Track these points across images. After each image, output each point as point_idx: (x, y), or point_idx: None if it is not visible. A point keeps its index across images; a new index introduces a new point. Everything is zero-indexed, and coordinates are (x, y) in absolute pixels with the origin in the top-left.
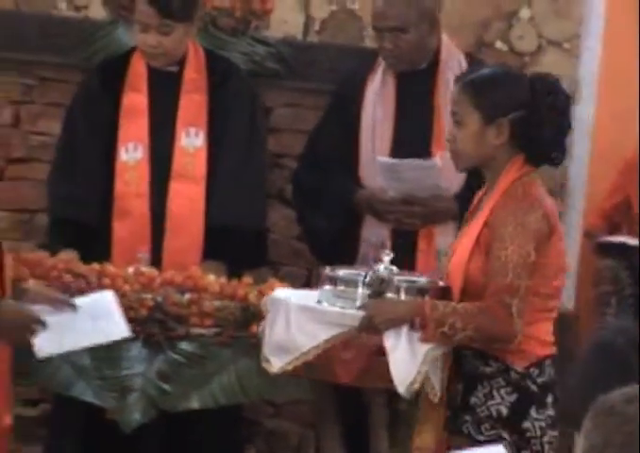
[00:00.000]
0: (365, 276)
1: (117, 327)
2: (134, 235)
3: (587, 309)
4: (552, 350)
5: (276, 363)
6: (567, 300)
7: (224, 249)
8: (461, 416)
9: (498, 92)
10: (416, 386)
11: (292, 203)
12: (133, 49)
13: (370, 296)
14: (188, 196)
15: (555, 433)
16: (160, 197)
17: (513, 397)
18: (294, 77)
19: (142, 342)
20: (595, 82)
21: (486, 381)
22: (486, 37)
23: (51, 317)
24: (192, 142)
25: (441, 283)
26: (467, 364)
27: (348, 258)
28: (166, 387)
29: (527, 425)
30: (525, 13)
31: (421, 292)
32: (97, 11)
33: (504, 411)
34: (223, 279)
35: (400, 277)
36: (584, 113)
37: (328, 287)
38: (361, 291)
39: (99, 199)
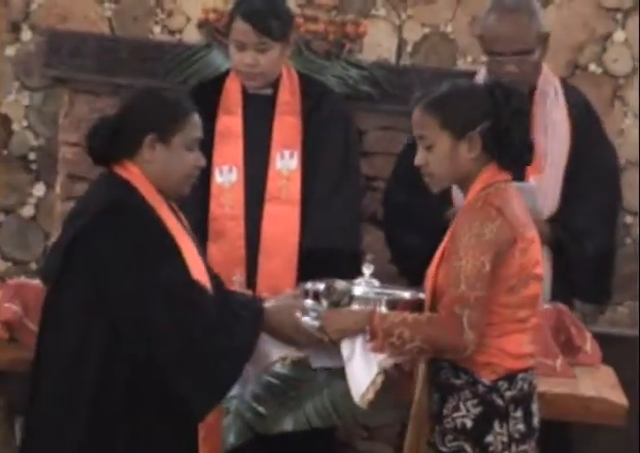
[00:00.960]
0: (327, 289)
1: None
2: (229, 257)
3: None
4: (527, 363)
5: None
6: (633, 324)
7: (319, 272)
8: (433, 427)
9: (462, 107)
10: (370, 396)
11: (382, 223)
12: (226, 73)
13: (328, 308)
14: (282, 219)
15: (524, 448)
16: (255, 220)
17: (478, 410)
18: (388, 100)
19: None
20: None
21: (455, 393)
22: (580, 59)
23: None
24: (286, 164)
25: (419, 296)
26: (442, 375)
27: None
28: (261, 409)
29: (489, 439)
30: (619, 36)
31: (391, 304)
32: (192, 35)
33: (468, 423)
34: None
35: (383, 290)
36: None
37: (307, 301)
38: (325, 304)
39: (197, 222)
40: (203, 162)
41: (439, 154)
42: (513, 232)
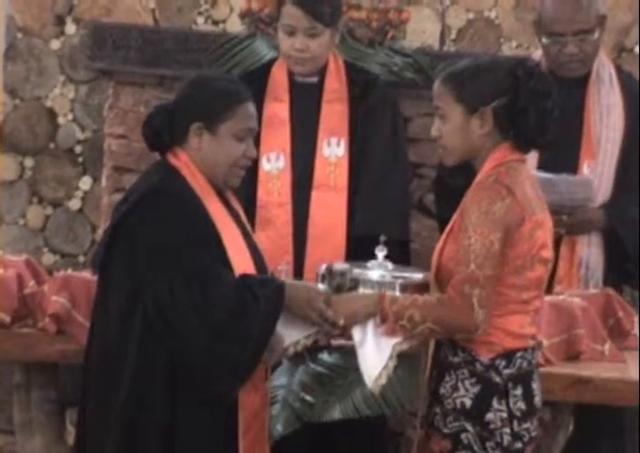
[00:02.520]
0: (327, 272)
1: None
2: (277, 245)
3: None
4: (527, 343)
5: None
6: None
7: (368, 259)
8: (433, 408)
9: (478, 82)
10: (383, 381)
11: (433, 211)
12: (271, 62)
13: (332, 291)
14: (330, 206)
15: (526, 426)
16: (303, 207)
17: (477, 389)
18: (432, 87)
19: None
20: None
21: (453, 371)
22: (627, 42)
23: None
24: (334, 151)
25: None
26: (442, 353)
27: None
28: (309, 398)
29: (490, 416)
30: None
31: (402, 287)
32: (235, 25)
33: (468, 402)
34: None
35: (396, 274)
36: None
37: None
38: (326, 286)
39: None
40: (253, 153)
41: (451, 126)
42: (522, 212)
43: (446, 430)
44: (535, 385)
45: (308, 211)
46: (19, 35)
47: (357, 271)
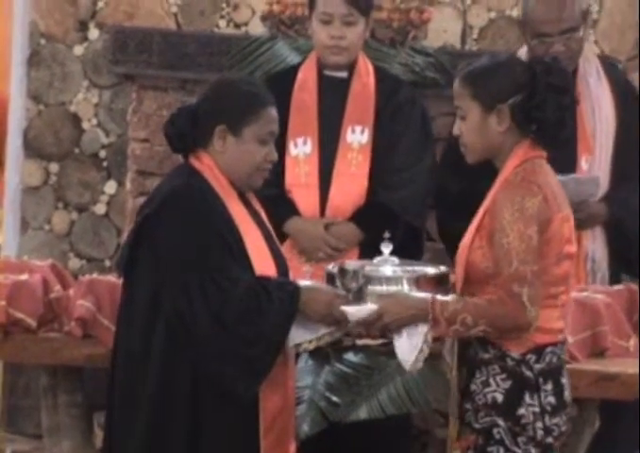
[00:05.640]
0: (339, 271)
1: None
2: None
3: None
4: (556, 338)
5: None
6: None
7: (374, 225)
8: (464, 404)
9: (494, 80)
10: (419, 364)
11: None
12: (299, 65)
13: (348, 291)
14: (349, 192)
15: (556, 420)
16: (325, 192)
17: (508, 384)
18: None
19: (308, 354)
20: None
21: (484, 367)
22: None
23: None
24: (357, 138)
25: (442, 270)
26: (471, 350)
27: None
28: (334, 398)
29: (522, 411)
30: None
31: (413, 281)
32: (257, 28)
33: (499, 398)
34: None
35: (407, 268)
36: None
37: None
38: (339, 285)
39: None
40: (275, 157)
41: (470, 125)
42: (550, 210)
43: (477, 426)
44: (565, 380)
45: (328, 197)
46: (42, 41)
47: (368, 268)
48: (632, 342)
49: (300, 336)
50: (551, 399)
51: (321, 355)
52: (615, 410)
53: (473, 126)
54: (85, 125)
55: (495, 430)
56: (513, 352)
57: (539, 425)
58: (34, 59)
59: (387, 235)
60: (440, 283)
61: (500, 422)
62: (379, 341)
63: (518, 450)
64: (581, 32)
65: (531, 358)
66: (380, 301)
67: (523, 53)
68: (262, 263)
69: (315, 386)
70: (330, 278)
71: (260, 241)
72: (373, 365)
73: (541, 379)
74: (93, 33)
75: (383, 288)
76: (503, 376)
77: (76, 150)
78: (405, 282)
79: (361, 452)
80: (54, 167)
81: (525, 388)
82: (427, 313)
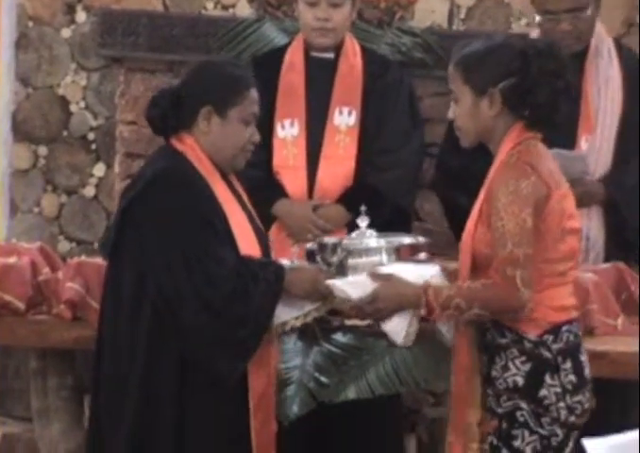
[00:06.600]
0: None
1: None
2: None
3: None
4: (570, 315)
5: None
6: None
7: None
8: (484, 390)
9: (485, 64)
10: (411, 337)
11: (435, 186)
12: (286, 46)
13: (328, 266)
14: (337, 174)
15: (578, 398)
16: (313, 174)
17: (528, 366)
18: (442, 66)
19: (297, 334)
20: None
21: (503, 352)
22: (637, 17)
23: None
24: (344, 120)
25: (418, 240)
26: (488, 336)
27: None
28: (323, 379)
29: (543, 392)
30: None
31: (391, 251)
32: (244, 10)
33: (520, 381)
34: None
35: (386, 239)
36: None
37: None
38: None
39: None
40: (258, 138)
41: (463, 109)
42: (547, 188)
43: (500, 410)
44: (583, 357)
45: (316, 179)
46: (30, 24)
47: (347, 241)
48: (620, 320)
49: (287, 313)
50: (572, 378)
51: (309, 336)
52: (605, 387)
53: (465, 110)
54: (73, 107)
55: (518, 413)
56: (530, 334)
57: (562, 405)
58: (22, 42)
59: (363, 208)
60: (418, 252)
61: (523, 405)
62: (367, 321)
63: (543, 431)
64: (589, 12)
65: (549, 338)
66: (375, 281)
67: (536, 33)
68: (247, 244)
69: (304, 367)
70: (311, 256)
71: (244, 221)
72: (361, 346)
73: (560, 359)
74: (81, 16)
75: (363, 259)
76: (522, 358)
77: (65, 133)
78: (384, 252)
79: (350, 432)
80: (42, 150)
81: (545, 369)
82: (420, 301)
